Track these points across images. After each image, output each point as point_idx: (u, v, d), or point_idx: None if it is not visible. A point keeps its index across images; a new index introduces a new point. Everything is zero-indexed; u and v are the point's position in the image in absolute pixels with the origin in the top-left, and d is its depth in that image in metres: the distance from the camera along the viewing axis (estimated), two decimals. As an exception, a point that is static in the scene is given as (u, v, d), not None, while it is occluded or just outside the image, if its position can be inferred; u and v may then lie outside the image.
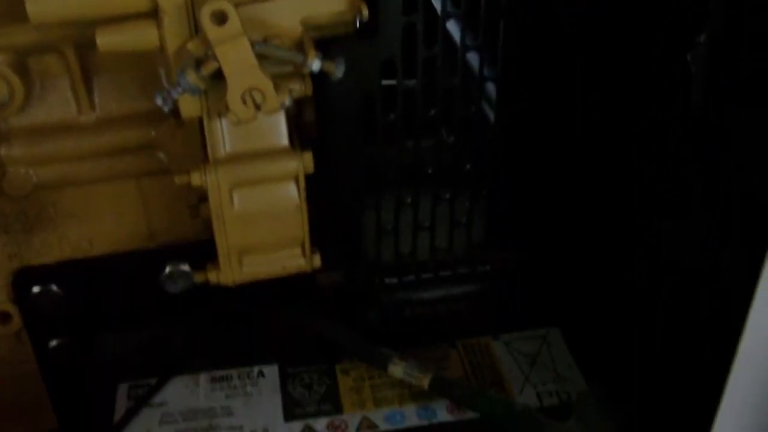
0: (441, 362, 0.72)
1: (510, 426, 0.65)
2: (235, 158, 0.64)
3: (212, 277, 0.69)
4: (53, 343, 0.77)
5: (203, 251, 0.69)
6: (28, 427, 0.79)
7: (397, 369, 0.69)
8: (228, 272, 0.68)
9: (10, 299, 0.72)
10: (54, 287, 0.74)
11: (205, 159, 0.64)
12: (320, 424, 0.68)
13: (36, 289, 0.73)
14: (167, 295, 0.71)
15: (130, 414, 0.68)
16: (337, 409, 0.69)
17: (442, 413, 0.68)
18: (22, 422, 0.79)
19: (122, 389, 0.71)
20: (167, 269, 0.71)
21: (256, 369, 0.73)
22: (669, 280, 0.59)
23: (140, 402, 0.69)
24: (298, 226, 0.67)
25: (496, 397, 0.67)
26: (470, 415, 0.68)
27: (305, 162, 0.65)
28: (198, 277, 0.69)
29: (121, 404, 0.70)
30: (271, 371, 0.73)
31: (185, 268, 0.70)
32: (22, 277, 0.72)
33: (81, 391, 0.74)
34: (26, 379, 0.77)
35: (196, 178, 0.63)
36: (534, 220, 0.78)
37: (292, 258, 0.70)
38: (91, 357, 0.75)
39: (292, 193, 0.66)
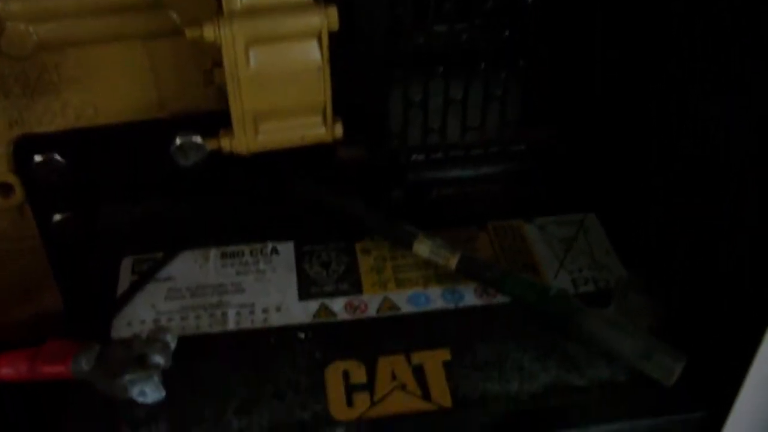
0: (469, 244, 0.67)
1: (544, 311, 0.60)
2: (252, 11, 0.60)
3: (225, 144, 0.64)
4: (57, 217, 0.73)
5: (217, 122, 0.65)
6: (31, 308, 0.76)
7: (423, 247, 0.63)
8: (242, 139, 0.64)
9: (12, 169, 0.68)
10: (57, 157, 0.69)
11: (220, 11, 0.59)
12: (338, 304, 0.63)
13: (38, 158, 0.69)
14: (177, 168, 0.66)
15: (135, 288, 0.64)
16: (357, 289, 0.64)
17: (470, 296, 0.63)
18: (26, 303, 0.75)
19: (126, 263, 0.66)
20: (178, 140, 0.66)
21: (269, 245, 0.68)
22: (716, 161, 0.55)
23: (145, 276, 0.64)
24: (319, 90, 0.62)
25: (529, 281, 0.62)
26: (500, 299, 0.63)
27: (330, 18, 0.60)
28: (210, 144, 0.64)
29: (125, 278, 0.65)
30: (286, 248, 0.68)
31: (197, 139, 0.65)
32: (24, 146, 0.67)
33: (85, 267, 0.70)
34: (29, 256, 0.73)
35: (209, 32, 0.58)
36: (572, 96, 0.72)
37: (312, 126, 0.65)
38: (96, 231, 0.70)
39: (313, 53, 0.61)
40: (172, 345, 0.56)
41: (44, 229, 0.72)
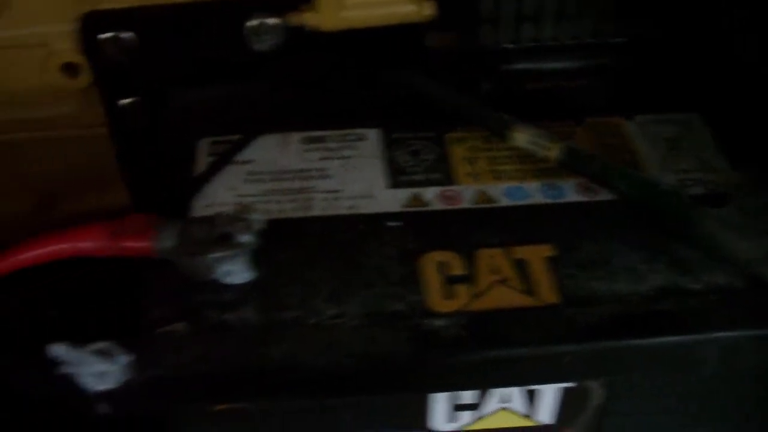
0: (565, 140, 0.62)
1: (655, 209, 0.55)
2: None
3: (309, 19, 0.59)
4: (125, 101, 0.68)
5: (296, 3, 0.60)
6: (94, 200, 0.72)
7: (522, 136, 0.59)
8: (328, 14, 0.60)
9: (78, 49, 0.63)
10: (127, 35, 0.64)
11: None
12: (430, 193, 0.59)
13: (106, 36, 0.64)
14: (253, 51, 0.62)
15: (214, 169, 0.59)
16: (448, 179, 0.60)
17: (571, 192, 0.59)
18: (90, 194, 0.72)
19: (203, 144, 0.62)
20: (253, 21, 0.61)
21: (355, 132, 0.63)
22: None
23: (224, 157, 0.60)
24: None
25: (640, 176, 0.57)
26: (603, 196, 0.58)
27: None
28: (292, 20, 0.59)
29: (202, 160, 0.60)
30: (373, 135, 0.63)
31: (275, 20, 0.61)
32: (92, 23, 0.63)
33: (156, 151, 0.65)
34: (95, 143, 0.69)
35: None
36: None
37: (401, 3, 0.61)
38: (167, 114, 0.65)
39: None
40: (260, 226, 0.52)
41: (111, 115, 0.67)
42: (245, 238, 0.51)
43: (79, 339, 0.49)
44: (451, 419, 0.56)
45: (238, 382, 0.50)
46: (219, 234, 0.51)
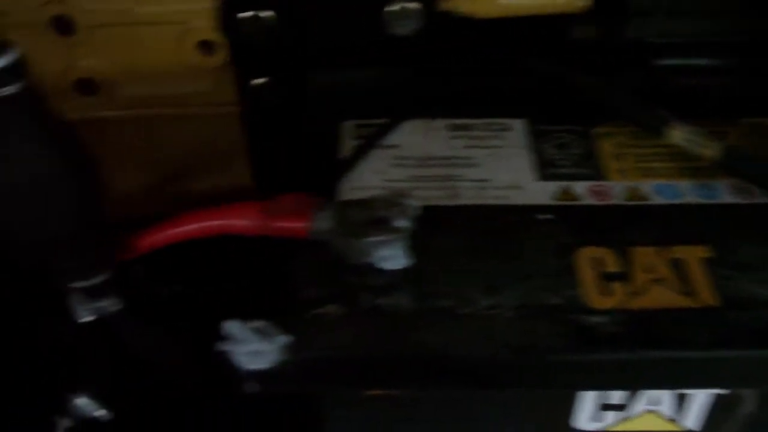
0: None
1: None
2: None
3: (462, 5, 0.59)
4: (259, 80, 0.67)
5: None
6: (217, 179, 0.71)
7: (677, 133, 0.57)
8: (484, 1, 0.58)
9: (216, 26, 0.63)
10: (267, 14, 0.64)
11: None
12: (580, 187, 0.57)
13: (246, 14, 0.63)
14: (392, 35, 0.61)
15: (360, 152, 0.58)
16: (598, 174, 0.58)
17: (726, 193, 0.57)
18: (213, 173, 0.71)
19: (347, 127, 0.61)
20: (394, 6, 0.60)
21: (500, 121, 0.62)
22: None
23: (370, 141, 0.59)
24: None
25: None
26: (761, 198, 0.56)
27: None
28: (440, 5, 0.59)
29: (347, 143, 0.60)
30: (519, 126, 0.62)
31: (415, 5, 0.60)
32: (232, 1, 0.62)
33: (290, 132, 0.65)
34: (225, 122, 0.69)
35: None
36: None
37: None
38: (309, 96, 0.65)
39: None
40: (415, 211, 0.51)
41: (245, 94, 0.67)
42: (402, 222, 0.51)
43: (229, 317, 0.48)
44: (596, 419, 0.54)
45: (391, 368, 0.49)
46: (376, 218, 0.51)
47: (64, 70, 0.64)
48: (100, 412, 0.58)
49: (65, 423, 0.59)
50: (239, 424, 0.64)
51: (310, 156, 0.61)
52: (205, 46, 0.64)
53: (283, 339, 0.47)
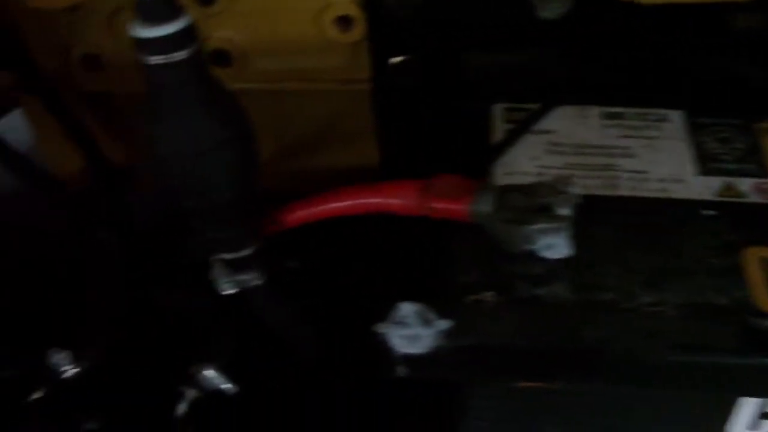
0: None
1: None
2: None
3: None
4: (396, 59, 0.66)
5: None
6: (342, 157, 0.70)
7: None
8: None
9: (356, 1, 0.62)
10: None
11: None
12: (744, 184, 0.54)
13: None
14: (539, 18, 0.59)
15: (513, 137, 0.56)
16: (763, 171, 0.56)
17: None
18: (339, 151, 0.71)
19: (498, 110, 0.59)
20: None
21: (656, 112, 0.59)
22: None
23: (524, 125, 0.57)
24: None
25: None
26: None
27: None
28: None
29: (498, 126, 0.58)
30: (676, 117, 0.60)
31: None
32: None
33: (441, 114, 0.63)
34: (355, 99, 0.67)
35: None
36: None
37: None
38: (456, 77, 0.63)
39: None
40: (578, 200, 0.49)
41: (380, 71, 0.66)
42: (566, 211, 0.49)
43: (382, 299, 0.47)
44: (753, 426, 0.52)
45: (550, 361, 0.47)
46: (539, 204, 0.49)
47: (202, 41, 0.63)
48: (227, 386, 0.58)
49: (192, 394, 0.59)
50: (369, 408, 0.63)
51: (459, 138, 0.59)
52: (343, 21, 0.63)
53: (442, 324, 0.46)
